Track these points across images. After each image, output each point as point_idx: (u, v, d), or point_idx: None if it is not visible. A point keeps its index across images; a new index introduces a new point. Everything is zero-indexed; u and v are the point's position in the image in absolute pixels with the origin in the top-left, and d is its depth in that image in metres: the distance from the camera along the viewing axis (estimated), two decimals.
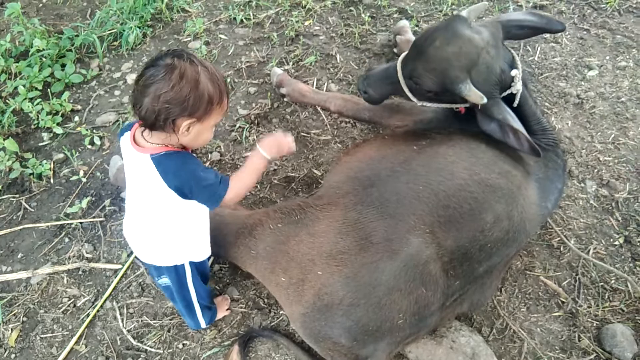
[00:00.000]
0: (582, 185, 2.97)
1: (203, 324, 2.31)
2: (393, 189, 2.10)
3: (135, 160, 1.78)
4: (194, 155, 1.93)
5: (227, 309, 2.47)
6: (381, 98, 2.63)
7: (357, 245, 1.96)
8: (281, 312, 2.47)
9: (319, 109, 3.29)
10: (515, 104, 2.35)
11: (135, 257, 2.19)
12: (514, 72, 2.29)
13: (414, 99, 2.44)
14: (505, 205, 2.11)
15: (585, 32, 3.84)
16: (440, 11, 3.95)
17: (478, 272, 2.09)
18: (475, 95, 2.17)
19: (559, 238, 2.74)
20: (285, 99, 3.33)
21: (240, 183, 1.89)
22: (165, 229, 1.92)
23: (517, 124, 2.22)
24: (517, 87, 2.30)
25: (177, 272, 2.03)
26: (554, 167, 2.45)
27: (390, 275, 1.89)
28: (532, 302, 2.55)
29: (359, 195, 2.13)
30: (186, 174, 1.73)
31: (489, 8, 4.00)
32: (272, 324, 2.44)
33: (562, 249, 2.72)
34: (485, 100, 2.17)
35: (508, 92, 2.32)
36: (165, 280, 2.08)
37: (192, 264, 2.05)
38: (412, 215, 2.00)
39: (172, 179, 1.72)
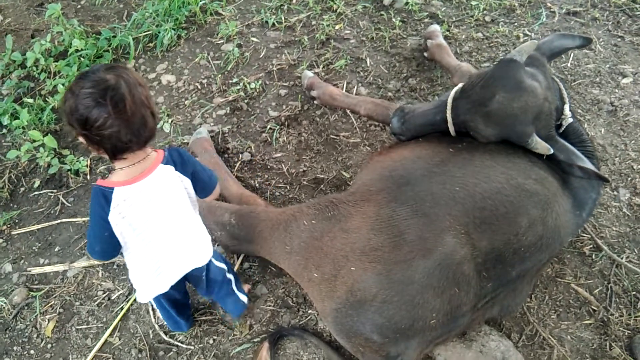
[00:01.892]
0: (615, 193, 2.93)
1: (246, 300, 2.34)
2: (428, 188, 2.11)
3: (151, 186, 1.74)
4: None
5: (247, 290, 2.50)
6: (413, 138, 2.54)
7: (391, 243, 1.98)
8: (310, 311, 2.50)
9: (348, 111, 3.32)
10: (561, 130, 2.38)
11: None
12: (566, 111, 2.33)
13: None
14: (541, 210, 2.11)
15: (619, 39, 3.79)
16: (472, 16, 3.94)
17: (511, 275, 2.08)
18: (542, 147, 2.19)
19: (590, 245, 2.71)
20: (315, 102, 3.37)
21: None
22: (198, 222, 1.99)
23: (581, 160, 2.22)
24: (568, 120, 2.35)
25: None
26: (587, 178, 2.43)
27: (424, 274, 1.91)
28: (562, 309, 2.53)
29: (392, 193, 2.14)
30: (188, 157, 1.85)
31: (521, 13, 3.99)
32: (301, 322, 2.47)
33: (593, 256, 2.69)
34: (551, 151, 2.19)
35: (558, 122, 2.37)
36: (222, 265, 2.13)
37: None
38: (448, 215, 2.00)
39: (187, 168, 1.82)
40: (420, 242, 1.95)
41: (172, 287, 1.96)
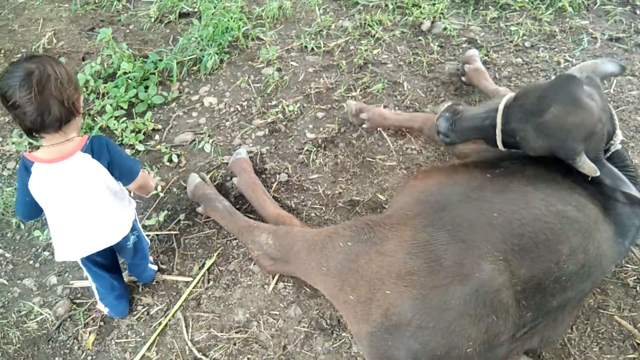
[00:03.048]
0: None
1: (155, 268, 2.68)
2: (465, 213, 2.10)
3: (65, 170, 1.96)
4: None
5: None
6: (461, 142, 2.54)
7: (427, 267, 1.97)
8: (344, 334, 2.49)
9: (385, 134, 3.34)
10: (608, 155, 2.31)
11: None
12: (618, 136, 2.29)
13: (503, 149, 2.35)
14: (582, 238, 2.06)
15: None
16: (511, 41, 3.94)
17: (551, 305, 2.03)
18: (589, 168, 2.13)
19: (635, 277, 2.63)
20: (364, 126, 3.37)
21: (146, 179, 2.28)
22: (113, 205, 2.17)
23: (626, 185, 2.16)
24: (617, 146, 2.30)
25: (134, 223, 2.37)
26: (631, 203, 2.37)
27: (460, 300, 1.88)
28: (605, 342, 2.45)
29: (429, 218, 2.14)
30: (109, 147, 2.03)
31: (561, 39, 3.95)
32: (335, 345, 2.47)
33: (638, 288, 2.60)
34: (598, 173, 2.13)
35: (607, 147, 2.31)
36: (134, 238, 2.37)
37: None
38: (485, 241, 1.98)
39: (104, 156, 2.01)
40: (457, 267, 1.94)
41: (100, 256, 2.30)
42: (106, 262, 2.42)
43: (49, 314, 2.63)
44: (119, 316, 2.60)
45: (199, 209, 2.96)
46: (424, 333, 1.90)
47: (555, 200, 2.13)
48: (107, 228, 2.20)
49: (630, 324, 2.49)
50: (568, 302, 2.11)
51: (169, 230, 2.94)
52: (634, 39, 3.95)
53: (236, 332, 2.52)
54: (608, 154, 2.34)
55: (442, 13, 4.22)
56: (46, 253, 2.87)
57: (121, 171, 2.11)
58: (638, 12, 4.24)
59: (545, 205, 2.09)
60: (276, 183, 3.15)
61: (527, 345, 2.15)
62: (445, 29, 4.08)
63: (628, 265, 2.68)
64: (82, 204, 2.06)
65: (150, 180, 2.44)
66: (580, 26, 4.10)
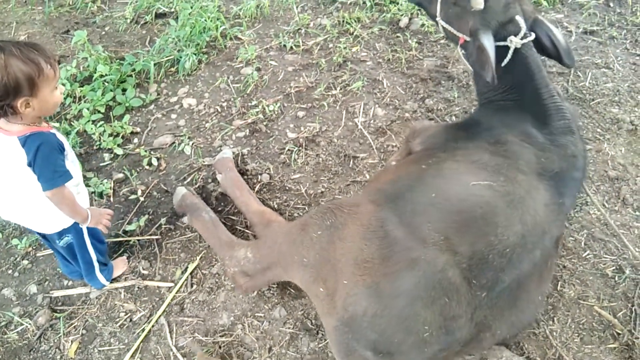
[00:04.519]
0: (637, 213, 2.90)
1: (105, 282, 2.64)
2: (410, 199, 2.14)
3: (3, 144, 1.99)
4: (57, 138, 2.11)
5: (124, 267, 2.77)
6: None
7: (380, 254, 1.97)
8: None
9: (365, 132, 3.35)
10: (506, 60, 2.37)
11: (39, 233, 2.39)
12: (518, 19, 2.34)
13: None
14: (515, 209, 2.08)
15: (638, 58, 3.78)
16: None
17: (504, 282, 2.01)
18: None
19: (613, 267, 2.68)
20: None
21: (67, 199, 2.15)
22: (37, 196, 2.11)
23: (490, 50, 2.27)
24: (515, 44, 2.34)
25: (76, 229, 2.34)
26: (570, 155, 2.35)
27: (410, 285, 1.88)
28: (586, 332, 2.49)
29: (381, 204, 2.16)
30: (41, 154, 1.98)
31: None
32: (320, 345, 2.47)
33: (616, 278, 2.65)
34: (481, 5, 2.27)
35: (503, 43, 2.35)
36: (67, 239, 2.37)
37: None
38: (427, 222, 2.01)
39: (29, 155, 1.98)
40: (405, 252, 1.94)
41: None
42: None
43: (30, 323, 2.59)
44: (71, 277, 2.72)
45: (184, 219, 2.93)
46: (379, 322, 1.88)
47: (485, 176, 2.17)
48: (26, 210, 2.22)
49: (610, 314, 2.53)
50: (524, 278, 2.08)
51: (150, 234, 2.90)
52: (607, 32, 4.01)
53: (221, 336, 2.51)
54: (506, 60, 2.38)
55: (419, 10, 4.23)
56: (25, 262, 2.82)
57: (38, 176, 2.05)
58: (612, 4, 4.31)
59: (476, 180, 2.14)
60: (259, 184, 3.13)
61: (497, 334, 2.11)
62: (422, 25, 4.09)
63: (606, 256, 2.73)
64: (5, 177, 2.11)
65: (96, 218, 2.35)
66: (555, 20, 4.15)
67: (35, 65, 1.87)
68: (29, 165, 2.01)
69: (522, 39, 2.33)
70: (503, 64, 2.39)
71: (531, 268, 2.10)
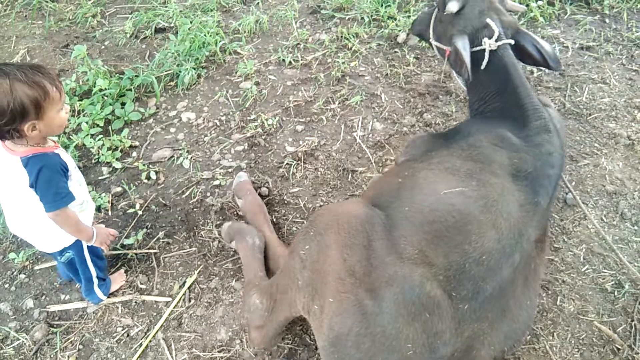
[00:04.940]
0: (636, 228, 2.90)
1: (102, 297, 2.63)
2: (387, 214, 2.14)
3: (7, 162, 2.02)
4: (60, 159, 2.11)
5: (121, 282, 2.75)
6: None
7: (362, 267, 1.95)
8: None
9: (364, 146, 3.36)
10: (484, 63, 2.55)
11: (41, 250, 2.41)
12: (491, 23, 2.53)
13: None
14: (488, 214, 2.07)
15: (634, 73, 3.81)
16: None
17: (486, 292, 1.97)
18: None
19: (612, 282, 2.67)
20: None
21: (70, 220, 2.15)
22: (39, 215, 2.11)
23: (464, 51, 2.48)
24: (490, 47, 2.52)
25: (77, 246, 2.36)
26: (545, 153, 2.36)
27: (390, 302, 1.85)
28: (585, 347, 2.48)
29: (365, 211, 2.16)
30: (42, 177, 1.99)
31: None
32: None
33: (616, 293, 2.65)
34: (454, 9, 2.54)
35: (479, 48, 2.55)
36: (68, 255, 2.39)
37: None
38: (402, 236, 2.01)
39: (31, 177, 1.99)
40: (384, 267, 1.93)
41: None
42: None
43: (26, 338, 2.56)
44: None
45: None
46: (364, 341, 1.84)
47: (457, 183, 2.19)
48: (29, 228, 2.25)
49: (609, 329, 2.52)
50: (506, 285, 2.03)
51: (148, 248, 2.89)
52: (604, 48, 4.05)
53: (219, 351, 2.49)
54: (483, 64, 2.55)
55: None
56: (22, 276, 2.80)
57: (40, 198, 2.06)
58: (607, 21, 4.36)
59: (448, 188, 2.16)
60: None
61: (490, 346, 2.03)
62: (420, 40, 4.12)
63: (605, 271, 2.73)
64: (9, 195, 2.15)
65: (102, 238, 2.38)
66: (552, 35, 4.19)
67: (41, 89, 1.87)
68: (31, 186, 2.01)
69: (497, 41, 2.52)
70: (482, 67, 2.56)
71: (513, 273, 2.06)
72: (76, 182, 2.21)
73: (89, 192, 3.08)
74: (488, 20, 2.54)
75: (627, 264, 2.61)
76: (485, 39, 2.53)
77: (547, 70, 3.84)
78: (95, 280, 2.55)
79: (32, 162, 1.98)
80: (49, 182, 2.01)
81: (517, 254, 2.07)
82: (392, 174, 2.61)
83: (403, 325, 1.84)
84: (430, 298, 1.87)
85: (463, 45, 2.51)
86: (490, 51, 2.54)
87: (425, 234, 2.01)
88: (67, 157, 2.17)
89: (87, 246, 2.40)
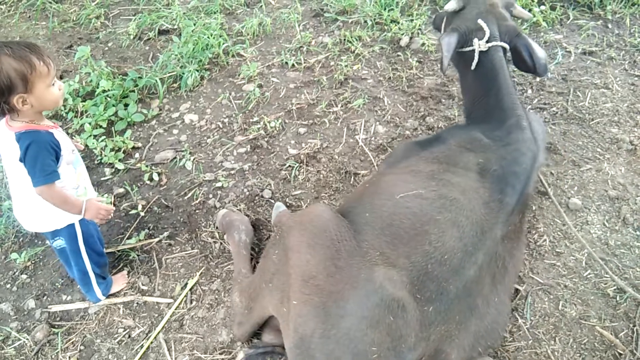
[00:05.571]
0: (638, 233, 2.90)
1: (100, 296, 2.61)
2: (352, 220, 2.16)
3: (6, 138, 2.08)
4: (53, 137, 2.13)
5: (123, 283, 2.74)
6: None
7: (325, 268, 1.94)
8: None
9: (366, 149, 3.36)
10: (473, 65, 2.59)
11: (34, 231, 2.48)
12: (483, 25, 2.57)
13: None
14: (447, 213, 2.08)
15: (636, 79, 3.82)
16: None
17: (451, 292, 1.95)
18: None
19: (614, 287, 2.67)
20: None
21: (56, 196, 2.13)
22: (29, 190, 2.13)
23: (446, 46, 2.55)
24: (480, 47, 2.56)
25: (69, 232, 2.35)
26: (512, 150, 2.35)
27: (355, 304, 1.84)
28: (587, 352, 2.47)
29: (327, 220, 2.15)
30: (30, 153, 2.02)
31: None
32: None
33: (618, 298, 2.64)
34: (453, 6, 2.70)
35: (470, 48, 2.59)
36: (60, 242, 2.38)
37: (82, 224, 2.37)
38: (365, 241, 2.02)
39: (21, 152, 2.03)
40: (348, 269, 1.93)
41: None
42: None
43: (27, 339, 2.56)
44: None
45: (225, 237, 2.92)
46: (327, 343, 1.83)
47: (416, 186, 2.21)
48: (20, 205, 2.27)
49: (611, 334, 2.52)
50: (471, 284, 2.02)
51: (150, 249, 2.89)
52: (606, 53, 4.06)
53: (220, 353, 2.48)
54: (473, 65, 2.59)
55: (419, 29, 4.29)
56: (24, 276, 2.80)
57: (27, 172, 2.09)
58: (610, 26, 4.36)
59: (405, 192, 2.19)
60: (260, 200, 3.13)
61: (460, 347, 2.01)
62: (423, 44, 4.14)
63: (607, 276, 2.72)
64: (7, 170, 2.21)
65: (94, 211, 2.29)
66: (554, 40, 4.20)
67: (27, 62, 1.93)
68: (21, 161, 2.06)
69: (487, 42, 2.55)
70: (473, 68, 2.60)
71: (478, 272, 2.05)
72: (68, 164, 2.22)
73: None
74: (480, 22, 2.58)
75: (608, 270, 2.53)
76: (476, 40, 2.57)
77: (549, 75, 3.84)
78: (92, 276, 2.53)
79: (23, 138, 2.03)
80: (35, 158, 2.05)
81: (480, 252, 2.06)
82: (366, 181, 2.69)
83: (367, 328, 1.81)
84: (395, 301, 1.85)
85: (448, 41, 2.56)
86: (482, 53, 2.57)
87: (385, 237, 2.03)
88: (64, 139, 2.20)
89: (83, 238, 2.39)
